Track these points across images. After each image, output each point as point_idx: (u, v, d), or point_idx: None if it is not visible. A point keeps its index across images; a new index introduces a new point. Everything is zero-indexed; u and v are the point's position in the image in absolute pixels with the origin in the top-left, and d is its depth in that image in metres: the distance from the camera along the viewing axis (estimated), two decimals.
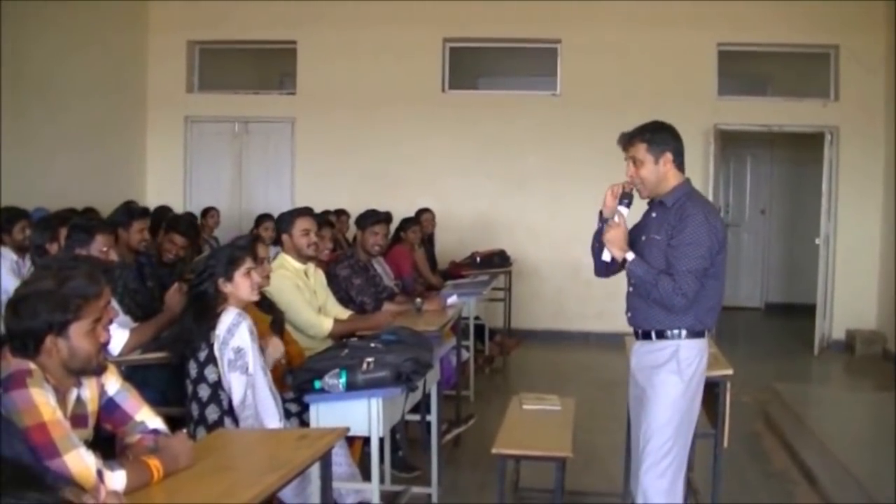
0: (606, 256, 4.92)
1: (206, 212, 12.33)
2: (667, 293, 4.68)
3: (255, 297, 5.34)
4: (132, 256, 7.25)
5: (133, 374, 5.32)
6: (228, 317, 5.01)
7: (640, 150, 4.86)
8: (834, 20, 12.66)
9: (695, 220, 4.70)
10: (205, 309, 5.12)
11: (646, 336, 4.92)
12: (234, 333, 4.94)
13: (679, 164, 4.89)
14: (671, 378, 4.80)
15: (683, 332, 4.79)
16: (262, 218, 11.42)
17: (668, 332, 4.82)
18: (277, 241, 7.22)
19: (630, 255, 4.80)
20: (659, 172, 4.84)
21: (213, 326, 4.97)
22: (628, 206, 4.90)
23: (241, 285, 5.20)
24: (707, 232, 4.68)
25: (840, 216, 12.91)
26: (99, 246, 5.85)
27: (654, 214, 4.94)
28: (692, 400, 4.85)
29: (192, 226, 8.01)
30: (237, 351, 4.91)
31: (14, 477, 2.26)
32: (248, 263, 5.25)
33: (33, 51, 10.65)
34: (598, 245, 5.04)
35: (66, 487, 2.95)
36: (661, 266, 4.74)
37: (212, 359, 4.96)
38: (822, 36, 12.92)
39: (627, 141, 4.94)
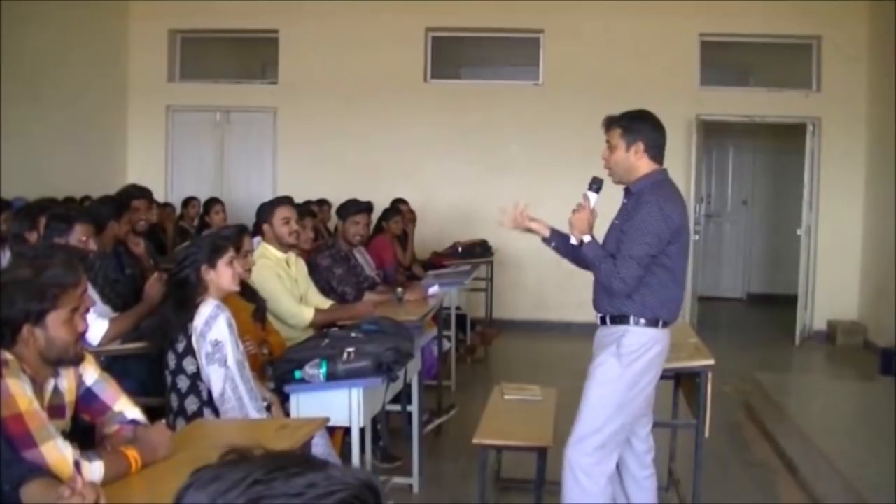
0: (573, 240, 4.96)
1: (188, 201, 12.28)
2: (606, 276, 4.79)
3: (237, 288, 5.29)
4: (112, 247, 7.21)
5: (112, 365, 5.30)
6: (206, 309, 4.95)
7: (616, 135, 4.94)
8: (816, 11, 12.66)
9: (647, 207, 4.76)
10: (185, 298, 5.05)
11: (602, 321, 5.01)
12: (212, 326, 4.88)
13: (654, 154, 4.93)
14: (610, 360, 4.89)
15: (631, 320, 4.85)
16: (210, 202, 11.40)
17: (619, 318, 4.89)
18: (257, 232, 7.18)
19: (587, 238, 4.87)
20: (629, 160, 4.90)
21: (191, 317, 4.94)
22: (597, 191, 4.97)
23: (224, 274, 5.13)
24: (657, 220, 4.73)
25: (822, 207, 12.95)
26: (78, 235, 5.80)
27: (624, 202, 5.01)
28: (632, 388, 4.90)
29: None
30: (215, 344, 4.85)
31: None
32: (232, 253, 5.21)
33: (12, 39, 10.57)
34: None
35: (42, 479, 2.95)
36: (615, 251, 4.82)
37: (190, 350, 4.92)
38: (805, 27, 12.94)
39: (607, 125, 5.02)
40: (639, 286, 4.78)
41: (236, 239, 5.41)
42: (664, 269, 4.82)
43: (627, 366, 4.84)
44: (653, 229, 4.72)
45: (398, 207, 10.99)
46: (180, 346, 4.95)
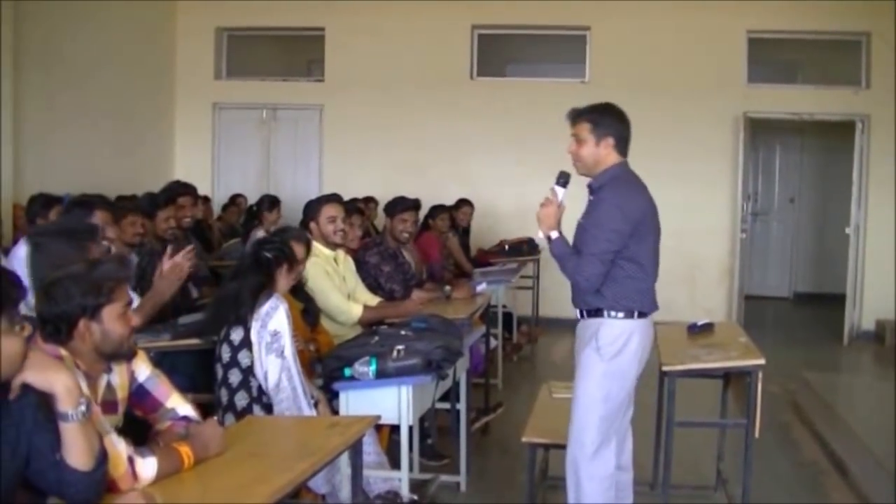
0: (539, 234, 5.03)
1: (234, 199, 12.33)
2: (571, 273, 4.87)
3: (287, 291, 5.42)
4: (160, 244, 7.24)
5: (161, 360, 5.32)
6: (269, 301, 5.06)
7: (584, 129, 5.02)
8: (865, 7, 12.51)
9: (604, 203, 4.85)
10: (264, 282, 5.25)
11: (581, 315, 5.04)
12: (273, 316, 5.00)
13: (621, 149, 5.01)
14: (592, 356, 4.92)
15: (605, 312, 4.89)
16: (273, 202, 11.27)
17: (593, 312, 4.94)
18: (304, 229, 7.19)
19: (554, 234, 4.93)
20: (598, 154, 4.97)
21: (252, 308, 5.04)
22: (564, 185, 5.04)
23: (289, 280, 5.45)
24: (614, 217, 4.80)
25: (870, 205, 12.82)
26: (98, 222, 5.79)
27: (590, 199, 5.04)
28: (614, 380, 4.92)
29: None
30: (273, 334, 4.95)
31: None
32: (302, 268, 5.52)
33: (60, 37, 10.67)
34: None
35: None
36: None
37: (247, 342, 4.98)
38: (854, 23, 12.81)
39: (574, 118, 5.12)
40: (604, 281, 4.83)
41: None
42: (630, 261, 4.86)
43: (609, 359, 4.89)
44: (611, 226, 4.79)
45: (455, 206, 11.15)
46: (237, 338, 5.01)
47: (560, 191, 5.00)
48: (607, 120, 5.01)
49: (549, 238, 4.95)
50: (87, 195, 6.82)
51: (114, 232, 6.01)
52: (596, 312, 4.92)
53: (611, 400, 4.95)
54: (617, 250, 4.79)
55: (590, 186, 5.03)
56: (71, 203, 6.05)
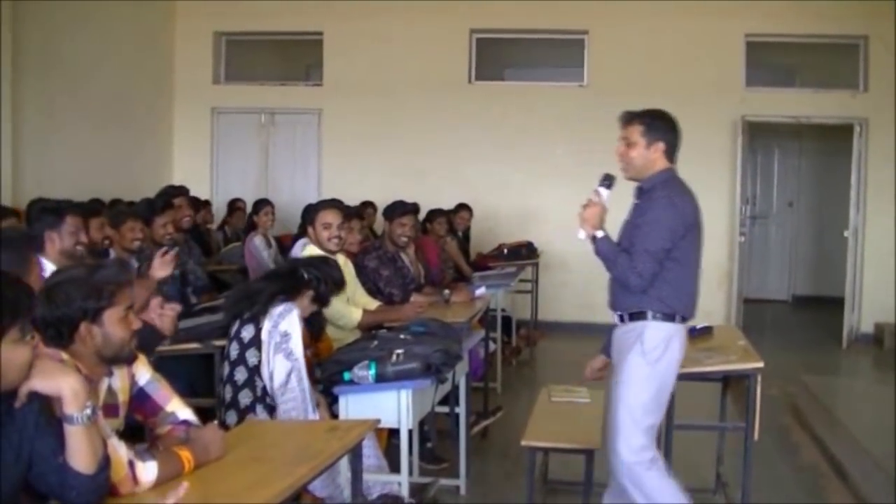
0: (581, 235, 4.98)
1: (233, 203, 12.33)
2: (623, 271, 4.82)
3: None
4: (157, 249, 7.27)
5: (161, 365, 5.32)
6: (283, 304, 5.14)
7: (636, 132, 4.95)
8: (863, 10, 12.53)
9: (659, 202, 4.82)
10: (290, 289, 5.33)
11: (620, 319, 5.01)
12: (285, 317, 5.07)
13: (670, 155, 4.97)
14: (637, 360, 4.86)
15: (649, 315, 4.86)
16: (260, 203, 11.20)
17: (636, 315, 4.90)
18: (303, 233, 7.21)
19: (600, 233, 4.89)
20: (648, 158, 4.93)
21: (266, 309, 5.11)
22: (609, 187, 4.98)
23: (308, 307, 5.47)
24: (670, 214, 4.79)
25: (869, 208, 12.83)
26: (69, 227, 5.80)
27: (636, 201, 5.03)
28: (660, 381, 4.89)
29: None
30: (284, 334, 5.01)
31: None
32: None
33: (59, 42, 10.67)
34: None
35: None
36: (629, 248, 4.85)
37: (256, 341, 5.03)
38: (851, 26, 12.83)
39: (627, 120, 5.04)
40: (654, 281, 4.79)
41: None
42: (677, 263, 4.83)
43: (654, 362, 4.84)
44: (667, 224, 4.77)
45: (453, 210, 11.17)
46: (247, 336, 5.05)
47: (604, 192, 4.96)
48: (660, 125, 4.97)
49: (593, 238, 4.92)
50: (57, 200, 6.85)
51: (86, 237, 6.01)
52: (639, 315, 4.89)
53: (658, 404, 4.94)
54: (668, 249, 4.78)
55: (639, 188, 5.01)
56: (40, 209, 6.04)
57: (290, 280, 5.37)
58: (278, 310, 5.10)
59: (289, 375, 4.97)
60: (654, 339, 4.84)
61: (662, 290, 4.82)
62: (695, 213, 4.92)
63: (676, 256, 4.81)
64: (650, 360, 4.84)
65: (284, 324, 5.03)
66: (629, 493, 4.90)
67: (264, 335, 5.03)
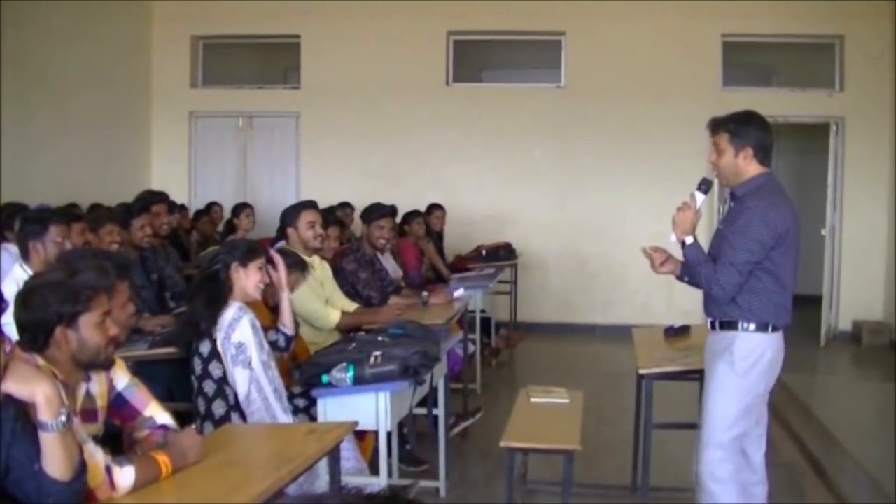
0: (671, 238, 4.97)
1: (210, 207, 12.29)
2: (706, 280, 4.81)
3: (258, 297, 5.33)
4: (136, 252, 7.26)
5: (138, 370, 5.32)
6: (230, 311, 5.03)
7: (723, 139, 4.93)
8: (839, 10, 12.58)
9: (749, 212, 4.75)
10: (216, 293, 5.13)
11: (712, 326, 5.00)
12: (236, 328, 4.96)
13: (762, 157, 4.92)
14: (725, 369, 4.87)
15: (740, 325, 4.83)
16: (241, 206, 11.20)
17: (726, 324, 4.89)
18: (281, 236, 7.20)
19: (689, 240, 4.88)
20: (737, 165, 4.90)
21: (215, 321, 4.98)
22: (705, 192, 4.99)
23: (252, 277, 5.23)
24: (759, 227, 4.72)
25: (846, 207, 12.89)
26: (53, 237, 5.81)
27: (730, 204, 5.06)
28: (749, 394, 4.88)
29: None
30: (238, 346, 4.91)
31: None
32: (262, 261, 5.28)
33: (36, 46, 10.64)
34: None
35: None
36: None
37: (215, 354, 4.96)
38: (827, 26, 12.87)
39: (713, 128, 5.02)
40: (740, 292, 4.77)
41: (267, 255, 5.48)
42: (769, 274, 4.80)
43: (743, 373, 4.84)
44: (755, 236, 4.71)
45: (426, 211, 11.12)
46: (205, 351, 4.98)
47: (700, 197, 4.95)
48: (746, 129, 4.94)
49: (683, 243, 4.91)
50: (43, 209, 6.85)
51: (70, 245, 6.01)
52: (730, 325, 4.87)
53: (748, 415, 4.93)
54: (757, 261, 4.74)
55: (732, 193, 5.00)
56: (24, 219, 6.05)
57: (213, 283, 5.21)
58: (227, 319, 4.99)
59: (250, 386, 4.94)
60: (743, 350, 4.83)
61: (753, 300, 4.80)
62: (787, 220, 4.84)
63: (768, 268, 4.79)
64: (738, 370, 4.84)
65: (236, 335, 4.94)
66: (702, 499, 4.97)
67: (219, 347, 4.96)
